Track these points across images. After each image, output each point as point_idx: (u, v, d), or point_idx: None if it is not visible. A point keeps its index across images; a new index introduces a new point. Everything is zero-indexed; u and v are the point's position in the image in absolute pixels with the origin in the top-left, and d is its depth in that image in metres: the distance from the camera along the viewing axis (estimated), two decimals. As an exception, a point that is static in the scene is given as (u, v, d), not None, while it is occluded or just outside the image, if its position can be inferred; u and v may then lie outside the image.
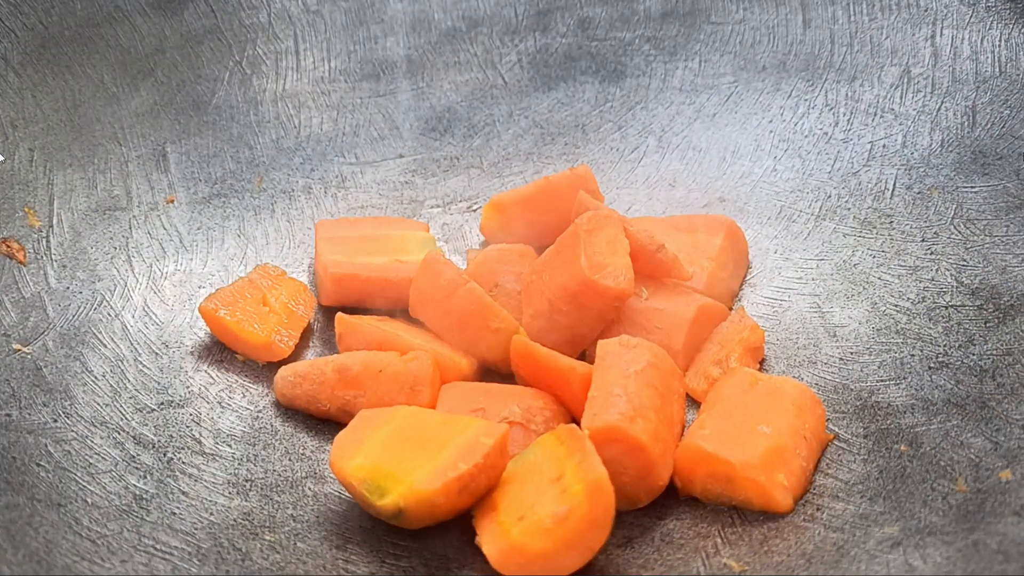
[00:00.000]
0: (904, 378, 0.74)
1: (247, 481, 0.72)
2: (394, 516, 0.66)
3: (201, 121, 0.92)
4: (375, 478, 0.66)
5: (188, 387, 0.78)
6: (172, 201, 0.88)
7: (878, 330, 0.77)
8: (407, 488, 0.65)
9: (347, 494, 0.70)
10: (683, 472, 0.68)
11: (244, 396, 0.78)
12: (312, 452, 0.74)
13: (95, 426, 0.73)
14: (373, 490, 0.66)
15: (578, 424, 0.67)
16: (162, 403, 0.76)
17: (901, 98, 0.88)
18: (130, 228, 0.86)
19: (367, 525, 0.69)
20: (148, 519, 0.68)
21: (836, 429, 0.72)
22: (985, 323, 0.75)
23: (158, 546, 0.66)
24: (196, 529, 0.68)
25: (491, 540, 0.64)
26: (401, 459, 0.66)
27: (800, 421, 0.69)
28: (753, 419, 0.68)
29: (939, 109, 0.86)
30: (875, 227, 0.83)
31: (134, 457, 0.72)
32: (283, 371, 0.77)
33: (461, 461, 0.65)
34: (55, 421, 0.72)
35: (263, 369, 0.80)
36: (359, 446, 0.68)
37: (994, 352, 0.73)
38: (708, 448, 0.67)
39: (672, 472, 0.68)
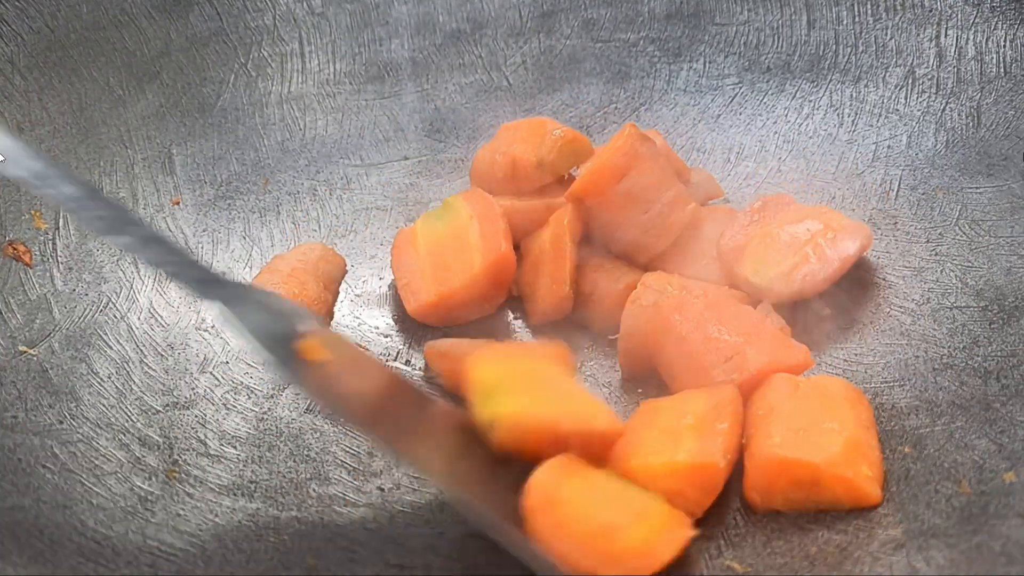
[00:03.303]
0: (908, 379, 0.73)
1: (252, 483, 0.72)
2: (487, 426, 0.66)
3: (206, 123, 0.92)
4: (494, 389, 0.67)
5: (193, 389, 0.78)
6: (178, 203, 0.89)
7: (883, 331, 0.77)
8: (509, 412, 0.65)
9: (351, 497, 0.70)
10: (761, 486, 0.66)
11: (249, 398, 0.78)
12: (317, 454, 0.74)
13: (100, 428, 0.73)
14: (483, 396, 0.67)
15: None
16: (167, 405, 0.76)
17: (906, 99, 0.88)
18: (136, 230, 0.86)
19: (372, 527, 0.69)
20: (153, 520, 0.68)
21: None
22: (990, 324, 0.75)
23: (163, 548, 0.66)
24: (201, 531, 0.68)
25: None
26: (525, 388, 0.67)
27: (857, 413, 0.68)
28: (815, 419, 0.67)
29: (944, 110, 0.86)
30: (880, 228, 0.83)
31: (139, 459, 0.72)
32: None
33: (565, 422, 0.66)
34: (61, 423, 0.73)
35: (269, 371, 0.80)
36: (500, 362, 0.69)
37: (999, 353, 0.73)
38: (788, 455, 0.65)
39: (750, 490, 0.67)
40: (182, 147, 0.91)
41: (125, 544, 0.66)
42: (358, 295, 0.86)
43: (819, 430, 0.66)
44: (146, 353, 0.79)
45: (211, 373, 0.79)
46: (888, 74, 0.89)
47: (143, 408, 0.76)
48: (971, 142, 0.84)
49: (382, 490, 0.72)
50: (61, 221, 0.84)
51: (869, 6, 0.91)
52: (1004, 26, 0.86)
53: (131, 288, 0.83)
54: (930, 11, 0.90)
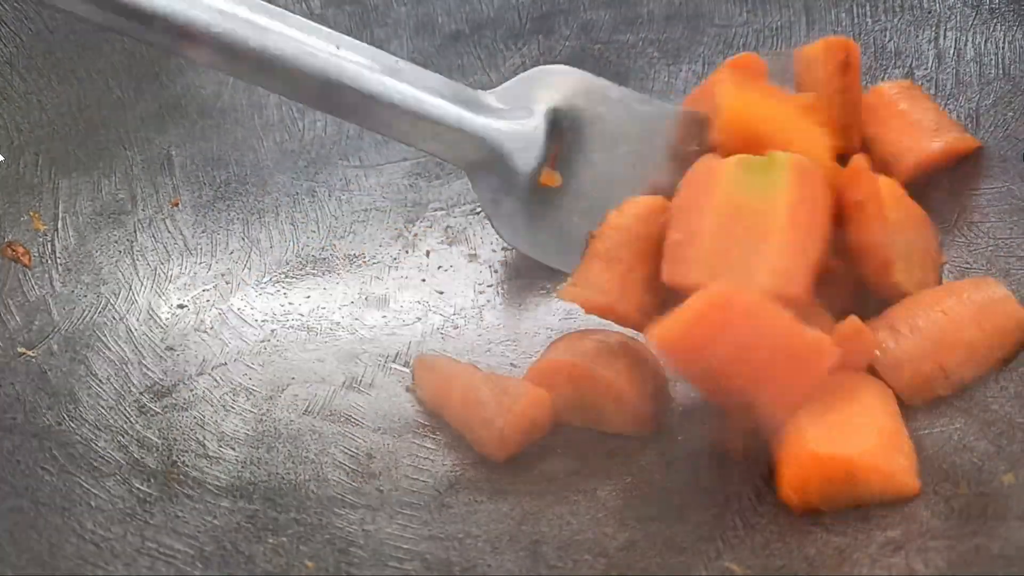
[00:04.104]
0: (907, 381, 0.73)
1: (250, 484, 0.72)
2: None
3: (205, 125, 0.92)
4: None
5: (192, 390, 0.78)
6: (177, 204, 0.89)
7: (881, 333, 0.77)
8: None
9: (350, 498, 0.71)
10: (797, 485, 0.65)
11: (248, 399, 0.78)
12: (315, 456, 0.74)
13: (99, 429, 0.73)
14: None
15: None
16: (166, 406, 0.76)
17: (905, 100, 0.88)
18: (135, 232, 0.86)
19: (370, 529, 0.69)
20: (152, 522, 0.68)
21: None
22: (988, 326, 0.75)
23: (161, 549, 0.66)
24: (199, 532, 0.68)
25: None
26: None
27: (884, 404, 0.68)
28: (845, 413, 0.66)
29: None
30: (879, 230, 0.83)
31: (138, 460, 0.72)
32: None
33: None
34: (59, 424, 0.73)
35: (268, 372, 0.80)
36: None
37: (998, 355, 0.73)
38: (822, 451, 0.64)
39: (786, 488, 0.66)
40: (181, 148, 0.91)
41: (124, 546, 0.66)
42: (359, 295, 0.86)
43: (851, 424, 0.65)
44: (145, 354, 0.80)
45: (210, 375, 0.79)
46: (887, 75, 0.89)
47: (142, 410, 0.76)
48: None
49: (381, 491, 0.72)
50: (60, 223, 0.84)
51: (868, 8, 0.91)
52: (1003, 28, 0.86)
53: (130, 290, 0.83)
54: (929, 13, 0.90)
